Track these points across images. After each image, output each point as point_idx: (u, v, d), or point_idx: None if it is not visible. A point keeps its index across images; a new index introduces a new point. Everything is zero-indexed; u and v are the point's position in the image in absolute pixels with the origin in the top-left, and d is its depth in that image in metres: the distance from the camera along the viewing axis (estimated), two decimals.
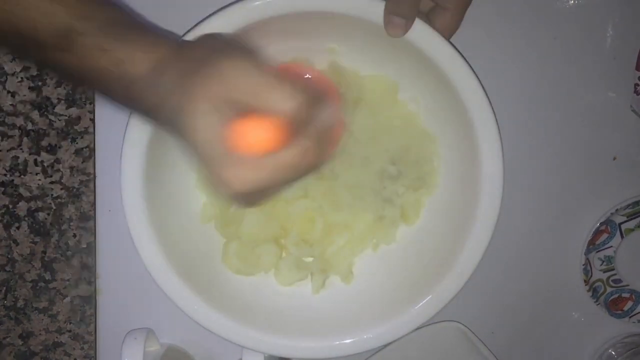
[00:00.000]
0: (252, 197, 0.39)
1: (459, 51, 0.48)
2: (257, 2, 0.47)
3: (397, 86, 0.55)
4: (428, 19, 0.49)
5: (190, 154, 0.39)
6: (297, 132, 0.38)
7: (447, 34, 0.49)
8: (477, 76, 0.49)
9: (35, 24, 0.37)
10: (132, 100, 0.40)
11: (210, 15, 0.48)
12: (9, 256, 1.21)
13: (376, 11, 0.47)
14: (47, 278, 1.22)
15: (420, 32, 0.48)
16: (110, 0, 0.40)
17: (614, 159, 0.59)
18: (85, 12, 0.38)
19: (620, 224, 0.58)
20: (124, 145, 0.49)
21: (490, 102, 0.49)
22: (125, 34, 0.38)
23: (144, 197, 0.50)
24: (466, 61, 0.48)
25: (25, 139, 1.17)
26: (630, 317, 0.60)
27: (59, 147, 1.18)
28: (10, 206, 1.20)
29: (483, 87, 0.49)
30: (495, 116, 0.49)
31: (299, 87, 0.37)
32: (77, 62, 0.38)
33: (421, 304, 0.51)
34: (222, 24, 0.48)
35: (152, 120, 0.42)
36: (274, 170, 0.38)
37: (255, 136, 0.37)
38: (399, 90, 0.55)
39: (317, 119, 0.38)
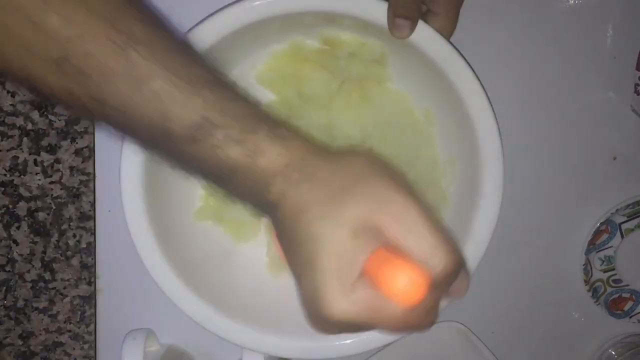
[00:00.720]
0: (345, 326, 0.35)
1: (459, 51, 0.48)
2: (257, 2, 0.47)
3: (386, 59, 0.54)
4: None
5: (292, 256, 0.36)
6: (428, 290, 0.34)
7: None
8: (476, 75, 0.49)
9: (166, 114, 0.35)
10: (250, 190, 0.37)
11: (210, 15, 0.48)
12: (9, 256, 1.21)
13: (378, 11, 0.47)
14: (47, 278, 1.22)
15: (421, 33, 0.48)
16: (244, 94, 0.37)
17: (614, 159, 0.59)
18: (222, 106, 0.35)
19: (620, 224, 0.58)
20: (123, 145, 0.49)
21: (490, 102, 0.49)
22: (261, 126, 0.36)
23: (144, 197, 0.50)
24: (466, 61, 0.48)
25: (25, 139, 1.17)
26: (630, 317, 0.60)
27: (59, 147, 1.18)
28: (10, 206, 1.20)
29: (483, 87, 0.49)
30: (495, 116, 0.49)
31: (458, 247, 0.34)
32: (208, 154, 0.36)
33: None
34: (222, 23, 0.48)
35: (260, 205, 0.38)
36: (383, 318, 0.34)
37: (404, 272, 0.33)
38: (395, 83, 0.55)
39: (452, 285, 0.35)
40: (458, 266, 0.34)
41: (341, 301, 0.33)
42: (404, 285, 0.33)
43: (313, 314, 0.35)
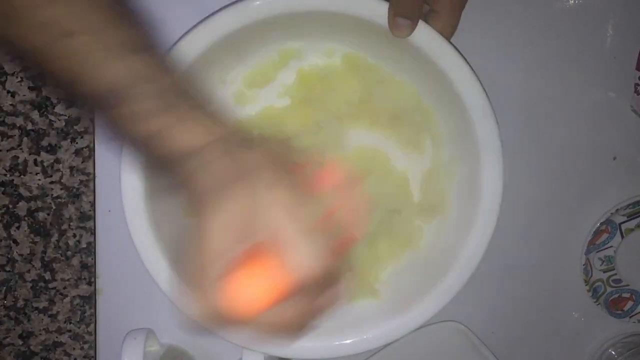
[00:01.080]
0: (213, 325, 0.36)
1: (459, 51, 0.48)
2: (258, 2, 0.47)
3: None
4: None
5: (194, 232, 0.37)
6: (302, 290, 0.35)
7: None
8: (477, 76, 0.49)
9: (94, 72, 0.35)
10: (161, 164, 0.38)
11: (210, 14, 0.48)
12: (9, 256, 1.21)
13: (379, 11, 0.47)
14: (47, 278, 1.22)
15: (421, 33, 0.48)
16: (174, 62, 0.38)
17: (614, 159, 0.59)
18: (149, 75, 0.36)
19: (620, 224, 0.58)
20: (124, 146, 0.49)
21: (490, 102, 0.49)
22: (184, 104, 0.37)
23: (144, 197, 0.50)
24: (466, 60, 0.48)
25: (25, 139, 1.17)
26: (630, 317, 0.60)
27: (59, 147, 1.18)
28: (10, 206, 1.20)
29: (483, 88, 0.49)
30: (495, 116, 0.49)
31: (333, 248, 0.35)
32: (124, 120, 0.36)
33: (420, 304, 0.51)
34: (222, 23, 0.48)
35: (163, 173, 0.39)
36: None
37: (251, 280, 0.34)
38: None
39: (329, 286, 0.36)
40: (330, 270, 0.34)
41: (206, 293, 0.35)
42: (254, 290, 0.34)
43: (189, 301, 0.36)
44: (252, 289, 0.34)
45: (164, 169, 0.38)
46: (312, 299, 0.36)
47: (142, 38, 0.37)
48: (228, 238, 0.35)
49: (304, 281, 0.34)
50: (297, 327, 0.37)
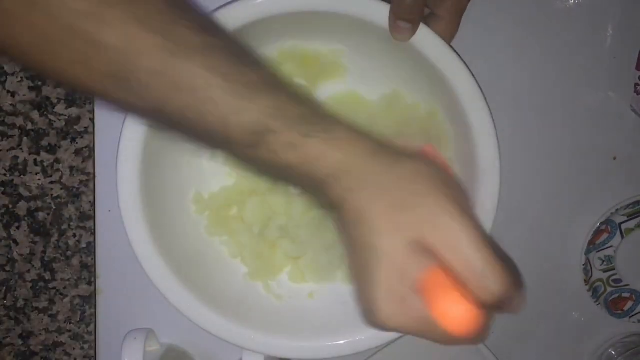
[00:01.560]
0: (392, 329, 0.37)
1: (459, 55, 0.48)
2: (259, 0, 0.47)
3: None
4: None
5: (352, 258, 0.37)
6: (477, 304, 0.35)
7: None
8: (476, 80, 0.48)
9: (224, 121, 0.35)
10: (311, 189, 0.38)
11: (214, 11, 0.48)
12: (9, 256, 1.21)
13: (380, 13, 0.47)
14: (47, 278, 1.22)
15: (422, 36, 0.48)
16: (299, 96, 0.37)
17: (614, 159, 0.59)
18: (279, 111, 0.36)
19: (620, 223, 0.58)
20: (120, 144, 0.49)
21: (489, 106, 0.49)
22: (316, 129, 0.36)
23: (141, 198, 0.50)
24: (464, 62, 0.48)
25: (25, 139, 1.17)
26: (630, 317, 0.60)
27: (59, 147, 1.18)
28: (10, 206, 1.20)
29: (480, 87, 0.49)
30: (493, 121, 0.49)
31: (509, 269, 0.34)
32: (266, 157, 0.36)
33: None
34: (222, 22, 0.48)
35: (321, 202, 0.39)
36: (430, 330, 0.36)
37: (459, 306, 0.34)
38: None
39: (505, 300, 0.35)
40: (511, 288, 0.34)
41: (389, 311, 0.35)
42: (455, 315, 0.34)
43: (366, 317, 0.37)
44: (466, 310, 0.34)
45: (316, 190, 0.38)
46: (494, 313, 0.36)
47: (262, 72, 0.37)
48: (410, 256, 0.35)
49: (499, 300, 0.34)
50: (478, 338, 0.37)
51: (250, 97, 0.35)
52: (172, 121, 0.36)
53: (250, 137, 0.35)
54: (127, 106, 0.36)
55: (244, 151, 0.36)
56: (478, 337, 0.36)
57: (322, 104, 0.38)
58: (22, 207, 1.20)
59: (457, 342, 0.36)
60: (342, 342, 0.52)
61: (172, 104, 0.35)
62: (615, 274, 0.59)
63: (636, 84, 0.56)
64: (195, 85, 0.34)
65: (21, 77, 1.15)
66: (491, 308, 0.35)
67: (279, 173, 0.38)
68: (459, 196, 0.36)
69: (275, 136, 0.35)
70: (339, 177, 0.36)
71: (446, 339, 0.36)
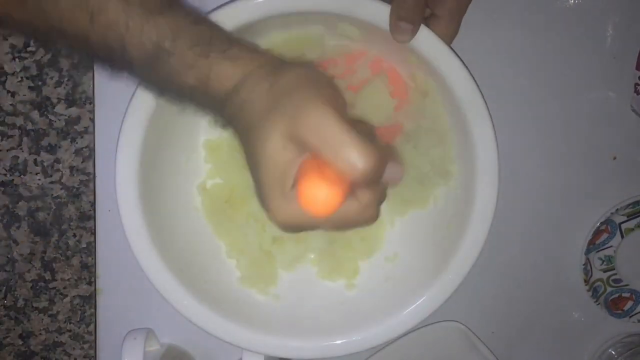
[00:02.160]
0: (293, 229, 0.39)
1: (458, 55, 0.48)
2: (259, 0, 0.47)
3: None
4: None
5: (250, 168, 0.39)
6: (360, 187, 0.37)
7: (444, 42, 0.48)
8: (474, 79, 0.48)
9: (124, 43, 0.38)
10: (210, 109, 0.41)
11: (208, 13, 0.48)
12: (9, 256, 1.21)
13: (379, 13, 0.47)
14: (47, 278, 1.22)
15: (422, 37, 0.47)
16: (197, 14, 0.40)
17: (614, 158, 0.59)
18: (175, 32, 0.38)
19: (620, 223, 0.58)
20: (118, 143, 0.49)
21: (488, 108, 0.49)
22: (212, 50, 0.39)
23: (140, 198, 0.50)
24: (465, 65, 0.48)
25: (25, 139, 1.17)
26: (630, 317, 0.60)
27: (59, 147, 1.18)
28: (10, 206, 1.20)
29: (479, 87, 0.49)
30: (492, 123, 0.49)
31: (374, 145, 0.36)
32: (165, 78, 0.39)
33: (414, 305, 0.51)
34: (222, 21, 0.48)
35: (220, 121, 0.42)
36: (321, 221, 0.38)
37: (317, 187, 0.36)
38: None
39: (383, 177, 0.37)
40: (379, 160, 0.35)
41: (280, 208, 0.38)
42: (321, 196, 0.36)
43: (269, 219, 0.39)
44: (324, 190, 0.36)
45: (215, 110, 0.40)
46: (375, 186, 0.38)
47: None
48: (287, 154, 0.37)
49: (364, 174, 0.35)
50: (372, 213, 0.39)
51: (147, 19, 0.37)
52: (76, 43, 0.39)
53: (147, 58, 0.38)
54: (30, 28, 0.39)
55: (146, 71, 0.39)
56: (370, 214, 0.39)
57: (220, 26, 0.41)
58: (22, 207, 1.20)
59: (349, 225, 0.38)
60: (340, 342, 0.52)
61: (71, 24, 0.38)
62: (615, 274, 0.59)
63: (636, 84, 0.56)
64: (93, 6, 0.37)
65: (21, 77, 1.15)
66: (367, 184, 0.36)
67: (187, 95, 0.40)
68: (329, 93, 0.38)
69: (174, 57, 0.38)
70: (236, 92, 0.38)
71: (336, 224, 0.38)
